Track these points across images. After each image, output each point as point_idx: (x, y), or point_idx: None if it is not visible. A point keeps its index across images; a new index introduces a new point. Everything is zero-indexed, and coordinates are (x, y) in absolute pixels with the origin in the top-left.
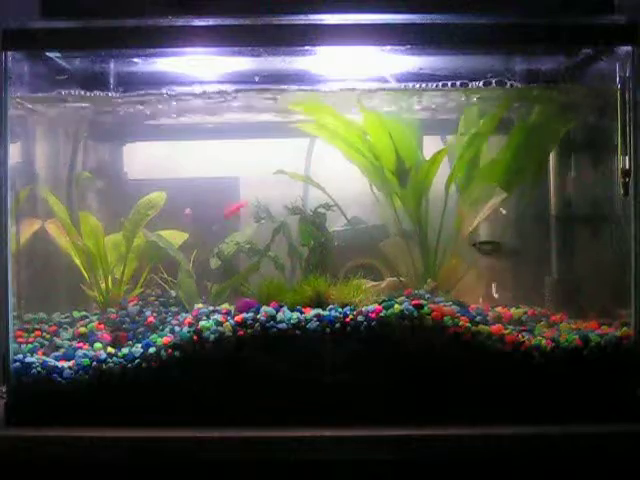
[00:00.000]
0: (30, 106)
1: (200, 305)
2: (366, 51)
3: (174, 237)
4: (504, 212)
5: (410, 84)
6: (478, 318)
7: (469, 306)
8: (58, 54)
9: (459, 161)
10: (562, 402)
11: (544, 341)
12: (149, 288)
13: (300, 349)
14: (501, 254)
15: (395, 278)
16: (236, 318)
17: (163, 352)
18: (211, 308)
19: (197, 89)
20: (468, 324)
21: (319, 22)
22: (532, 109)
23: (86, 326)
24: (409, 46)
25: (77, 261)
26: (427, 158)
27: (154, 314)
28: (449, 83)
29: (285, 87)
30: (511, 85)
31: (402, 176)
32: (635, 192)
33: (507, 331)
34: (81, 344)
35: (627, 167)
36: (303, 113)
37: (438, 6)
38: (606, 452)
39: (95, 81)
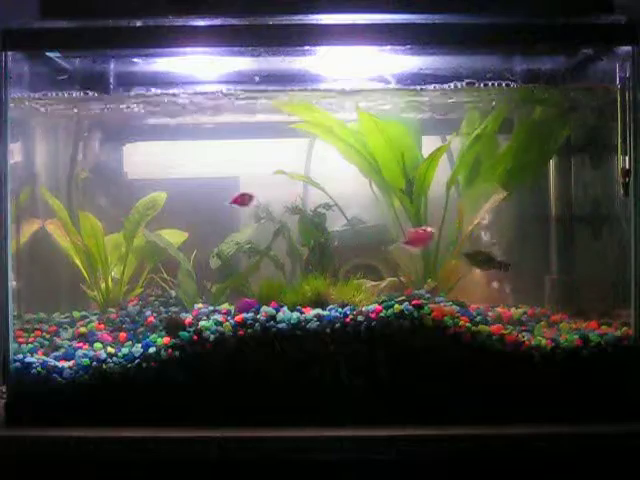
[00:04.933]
0: (29, 106)
1: (200, 305)
2: (366, 51)
3: (174, 237)
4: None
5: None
6: (478, 318)
7: (469, 306)
8: (58, 54)
9: (461, 161)
10: (562, 402)
11: (544, 341)
12: (149, 288)
13: (300, 349)
14: (493, 267)
15: (395, 278)
16: (236, 318)
17: (163, 352)
18: (211, 308)
19: (197, 89)
20: (468, 324)
21: (319, 22)
22: (533, 109)
23: (86, 326)
24: (409, 46)
25: (77, 261)
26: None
27: (154, 314)
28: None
29: (284, 88)
30: (507, 85)
31: (408, 185)
32: (635, 192)
33: (507, 331)
34: (81, 344)
35: (627, 167)
36: (299, 114)
37: (438, 6)
38: (606, 452)
39: (95, 81)
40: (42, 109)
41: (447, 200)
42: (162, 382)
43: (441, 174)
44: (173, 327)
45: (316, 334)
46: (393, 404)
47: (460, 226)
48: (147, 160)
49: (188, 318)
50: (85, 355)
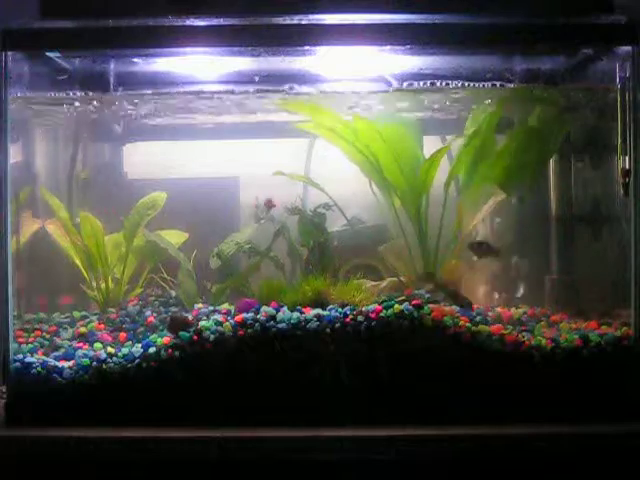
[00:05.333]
0: (30, 106)
1: (200, 305)
2: (366, 51)
3: (174, 237)
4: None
5: (410, 84)
6: (478, 318)
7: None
8: (58, 54)
9: (458, 161)
10: (562, 402)
11: (544, 341)
12: (149, 288)
13: (300, 349)
14: (497, 256)
15: (395, 278)
16: (236, 318)
17: (163, 352)
18: (211, 308)
19: (197, 89)
20: (468, 324)
21: (319, 22)
22: (532, 109)
23: (86, 326)
24: (409, 46)
25: (77, 261)
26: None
27: (154, 314)
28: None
29: (285, 88)
30: (504, 85)
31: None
32: (635, 192)
33: (507, 331)
34: (81, 344)
35: (627, 167)
36: (301, 113)
37: (438, 6)
38: (606, 452)
39: (95, 81)
40: (41, 109)
41: (446, 200)
42: (162, 382)
43: (442, 174)
44: (177, 325)
45: (316, 334)
46: (393, 404)
47: (460, 226)
48: (147, 160)
49: (188, 318)
50: (85, 355)
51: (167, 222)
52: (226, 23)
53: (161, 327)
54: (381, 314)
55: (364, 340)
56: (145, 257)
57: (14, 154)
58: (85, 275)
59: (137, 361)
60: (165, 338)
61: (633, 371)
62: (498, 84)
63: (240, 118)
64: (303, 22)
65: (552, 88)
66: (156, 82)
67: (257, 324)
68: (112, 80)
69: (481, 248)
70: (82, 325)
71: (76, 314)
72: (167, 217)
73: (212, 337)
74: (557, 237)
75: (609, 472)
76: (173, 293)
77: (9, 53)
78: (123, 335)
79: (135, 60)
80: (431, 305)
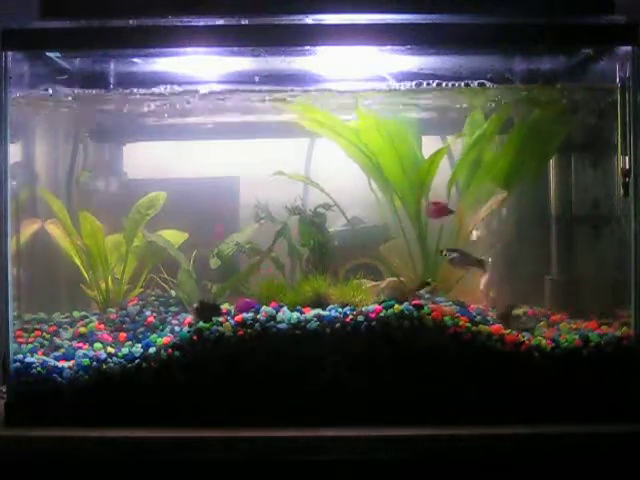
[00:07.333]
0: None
1: None
2: (366, 51)
3: (174, 237)
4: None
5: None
6: (478, 318)
7: (469, 306)
8: (58, 54)
9: (461, 162)
10: (562, 402)
11: (544, 341)
12: (149, 288)
13: (300, 349)
14: (470, 264)
15: (395, 278)
16: (236, 318)
17: (163, 352)
18: None
19: (197, 89)
20: (468, 324)
21: (319, 22)
22: (532, 109)
23: (86, 326)
24: (409, 46)
25: (77, 261)
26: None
27: (154, 314)
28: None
29: (285, 88)
30: (506, 85)
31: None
32: (635, 192)
33: (507, 331)
34: (81, 344)
35: (627, 167)
36: (301, 113)
37: (438, 6)
38: (606, 452)
39: (94, 81)
40: (41, 108)
41: (447, 201)
42: (162, 382)
43: (442, 174)
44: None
45: (316, 334)
46: (393, 404)
47: (460, 226)
48: (147, 160)
49: (188, 318)
50: (85, 355)
51: (167, 222)
52: (226, 23)
53: (161, 327)
54: (381, 314)
55: (364, 340)
56: (145, 257)
57: (14, 154)
58: (85, 275)
59: (137, 361)
60: (165, 338)
61: (633, 371)
62: (498, 84)
63: (240, 118)
64: (303, 22)
65: (552, 88)
66: (155, 82)
67: (257, 324)
68: (111, 80)
69: (456, 257)
70: (82, 325)
71: (76, 314)
72: (167, 217)
73: (212, 337)
74: (557, 237)
75: (609, 472)
76: (173, 293)
77: (9, 53)
78: (123, 335)
79: (135, 60)
80: (431, 305)
